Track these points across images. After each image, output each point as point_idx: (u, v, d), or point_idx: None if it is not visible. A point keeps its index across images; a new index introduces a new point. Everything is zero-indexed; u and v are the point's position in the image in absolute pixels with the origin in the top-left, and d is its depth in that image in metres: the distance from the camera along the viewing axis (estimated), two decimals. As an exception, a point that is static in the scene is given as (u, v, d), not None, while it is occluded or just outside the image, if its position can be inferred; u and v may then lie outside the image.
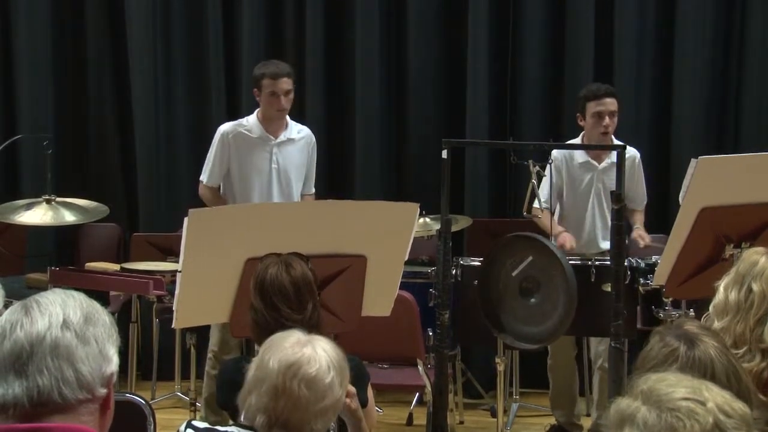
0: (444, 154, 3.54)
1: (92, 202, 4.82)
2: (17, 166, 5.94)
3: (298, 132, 4.84)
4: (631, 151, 4.65)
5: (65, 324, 1.54)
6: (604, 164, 4.76)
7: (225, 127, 4.78)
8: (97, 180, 6.02)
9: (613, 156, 4.69)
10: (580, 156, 4.80)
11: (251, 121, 4.77)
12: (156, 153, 5.90)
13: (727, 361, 1.87)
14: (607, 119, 4.65)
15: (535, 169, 4.40)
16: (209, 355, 4.64)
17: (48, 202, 4.59)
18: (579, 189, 4.81)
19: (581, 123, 4.76)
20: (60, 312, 1.56)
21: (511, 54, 5.69)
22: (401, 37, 5.84)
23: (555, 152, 4.69)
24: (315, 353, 2.13)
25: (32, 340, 1.52)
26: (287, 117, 4.79)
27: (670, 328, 2.03)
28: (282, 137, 4.77)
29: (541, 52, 5.67)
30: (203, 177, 4.80)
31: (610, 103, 4.67)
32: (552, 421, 4.93)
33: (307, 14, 5.78)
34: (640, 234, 4.77)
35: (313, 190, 4.98)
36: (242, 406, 2.14)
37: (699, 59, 5.51)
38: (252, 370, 2.15)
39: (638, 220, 4.87)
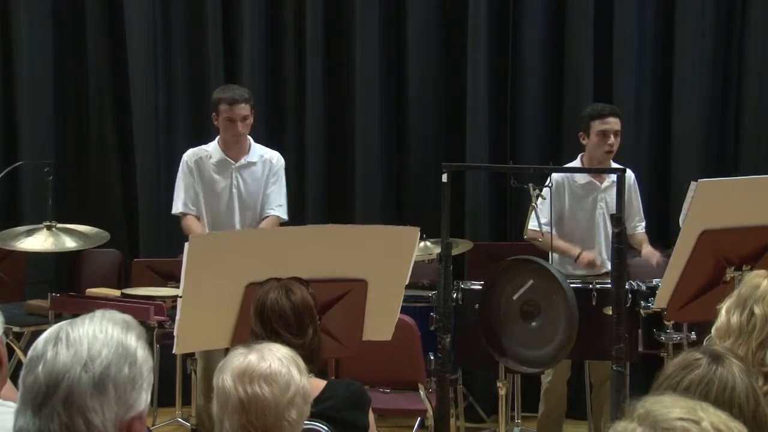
0: (444, 177, 3.55)
1: (93, 228, 4.83)
2: (18, 193, 5.94)
3: (261, 156, 4.83)
4: (627, 172, 4.66)
5: (85, 367, 1.54)
6: (606, 183, 4.78)
7: (187, 153, 4.85)
8: (97, 206, 6.01)
9: (614, 175, 4.71)
10: (581, 177, 4.81)
11: (212, 146, 4.82)
12: (156, 179, 5.89)
13: (749, 382, 1.87)
14: (611, 138, 4.69)
15: (535, 192, 4.41)
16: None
17: (49, 228, 4.60)
18: (584, 210, 4.82)
19: (584, 141, 4.78)
20: (85, 350, 1.56)
21: (510, 75, 5.70)
22: (401, 58, 5.85)
23: (555, 175, 4.70)
24: (262, 354, 2.13)
25: (49, 383, 1.53)
26: (250, 140, 4.82)
27: (701, 347, 2.05)
28: (243, 161, 4.78)
29: (541, 73, 5.69)
30: (175, 209, 4.82)
31: (615, 123, 4.71)
32: None
33: (307, 35, 5.79)
34: (650, 251, 4.73)
35: (272, 213, 4.76)
36: None
37: (698, 80, 5.52)
38: (214, 402, 2.13)
39: (644, 241, 4.85)
